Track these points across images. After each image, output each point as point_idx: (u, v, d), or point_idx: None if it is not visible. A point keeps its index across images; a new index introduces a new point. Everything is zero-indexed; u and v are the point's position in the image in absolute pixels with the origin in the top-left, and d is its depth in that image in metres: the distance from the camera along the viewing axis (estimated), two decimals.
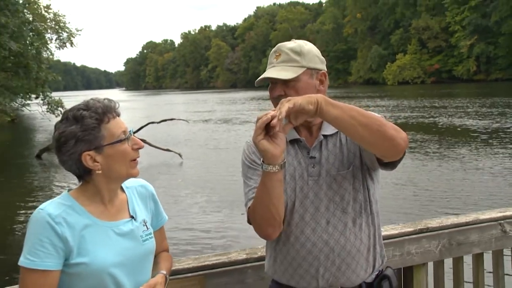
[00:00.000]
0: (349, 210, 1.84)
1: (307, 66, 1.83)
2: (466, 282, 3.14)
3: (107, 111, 1.62)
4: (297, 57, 1.82)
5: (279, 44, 1.90)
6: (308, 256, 1.82)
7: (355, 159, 1.86)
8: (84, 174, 1.65)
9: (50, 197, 1.69)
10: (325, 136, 1.88)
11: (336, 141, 1.88)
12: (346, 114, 1.59)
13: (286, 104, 1.53)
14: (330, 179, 1.83)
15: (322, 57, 1.91)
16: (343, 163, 1.85)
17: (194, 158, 17.82)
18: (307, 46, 1.88)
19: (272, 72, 1.82)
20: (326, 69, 1.91)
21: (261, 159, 1.68)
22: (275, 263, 1.93)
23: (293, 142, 1.90)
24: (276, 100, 1.79)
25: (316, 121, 1.89)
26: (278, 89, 1.81)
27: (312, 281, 1.84)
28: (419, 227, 2.94)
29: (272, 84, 1.85)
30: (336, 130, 1.86)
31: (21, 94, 26.10)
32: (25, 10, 24.60)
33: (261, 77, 1.85)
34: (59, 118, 1.69)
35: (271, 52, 1.91)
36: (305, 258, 1.83)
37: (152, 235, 1.79)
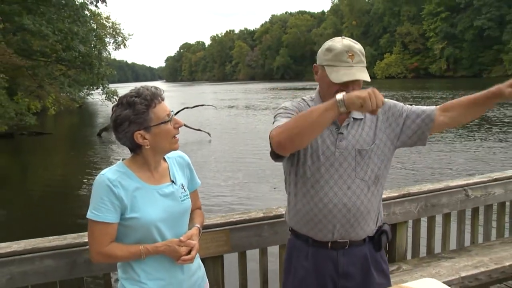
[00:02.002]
0: (367, 179, 1.80)
1: (366, 66, 1.76)
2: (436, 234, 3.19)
3: (154, 97, 1.61)
4: (363, 58, 1.74)
5: (348, 45, 1.71)
6: (329, 214, 1.79)
7: (376, 140, 1.82)
8: (135, 148, 1.65)
9: (108, 166, 1.71)
10: (354, 118, 1.82)
11: (361, 123, 1.82)
12: None
13: None
14: (355, 152, 1.79)
15: None
16: (366, 141, 1.81)
17: (221, 137, 17.83)
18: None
19: (357, 74, 1.68)
20: None
21: (344, 97, 1.48)
22: (297, 216, 1.90)
23: None
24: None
25: None
26: (351, 87, 1.68)
27: (328, 234, 1.82)
28: (402, 193, 2.94)
29: (351, 81, 1.68)
30: (362, 116, 1.83)
31: (86, 86, 26.46)
32: (91, 21, 24.91)
33: (346, 79, 1.67)
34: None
35: (341, 50, 1.70)
36: (325, 216, 1.80)
37: (189, 196, 1.78)
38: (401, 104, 1.90)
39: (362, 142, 1.81)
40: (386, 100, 1.86)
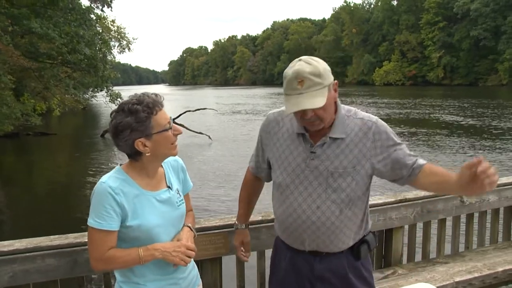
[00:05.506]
0: (339, 202, 1.72)
1: (327, 84, 1.60)
2: (432, 239, 3.18)
3: (155, 104, 1.58)
4: (319, 79, 1.57)
5: (297, 71, 1.58)
6: (298, 229, 1.77)
7: (357, 165, 1.71)
8: (134, 154, 1.62)
9: (110, 167, 1.69)
10: (332, 138, 1.72)
11: (342, 144, 1.71)
12: None
13: None
14: (327, 173, 1.71)
15: (329, 67, 1.66)
16: (342, 164, 1.71)
17: (221, 140, 17.82)
18: (320, 65, 1.61)
19: (304, 102, 1.57)
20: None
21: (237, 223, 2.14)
22: (276, 223, 1.93)
23: (299, 135, 1.78)
24: (307, 121, 1.65)
25: (326, 125, 1.72)
26: (309, 113, 1.61)
27: (301, 246, 1.82)
28: (399, 198, 2.93)
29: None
30: (344, 136, 1.72)
31: (91, 88, 26.49)
32: (97, 24, 25.01)
33: (294, 109, 1.59)
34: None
35: (290, 78, 1.59)
36: (296, 230, 1.78)
37: (184, 201, 1.77)
38: (393, 139, 1.75)
39: (338, 164, 1.71)
40: (381, 126, 1.75)
